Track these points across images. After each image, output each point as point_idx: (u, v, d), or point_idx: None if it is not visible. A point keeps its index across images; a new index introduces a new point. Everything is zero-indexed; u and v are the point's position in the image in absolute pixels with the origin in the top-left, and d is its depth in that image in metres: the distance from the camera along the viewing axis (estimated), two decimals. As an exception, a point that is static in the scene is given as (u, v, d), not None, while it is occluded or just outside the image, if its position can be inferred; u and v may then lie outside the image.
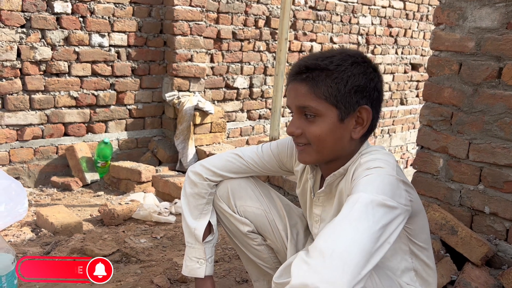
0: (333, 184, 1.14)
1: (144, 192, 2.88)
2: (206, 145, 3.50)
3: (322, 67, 1.05)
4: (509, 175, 1.68)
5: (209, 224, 1.36)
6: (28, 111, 2.95)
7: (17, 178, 2.89)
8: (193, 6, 3.37)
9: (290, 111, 1.13)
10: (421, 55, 5.66)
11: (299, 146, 1.12)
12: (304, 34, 4.33)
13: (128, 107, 3.39)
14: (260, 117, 4.24)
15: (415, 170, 1.99)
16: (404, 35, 5.39)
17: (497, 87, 1.70)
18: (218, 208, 1.38)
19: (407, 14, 5.32)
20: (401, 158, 5.78)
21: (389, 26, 5.15)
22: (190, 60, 3.45)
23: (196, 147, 3.42)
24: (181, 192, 1.39)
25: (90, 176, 3.12)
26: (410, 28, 5.42)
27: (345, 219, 0.88)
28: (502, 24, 1.67)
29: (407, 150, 5.85)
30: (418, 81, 5.72)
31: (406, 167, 5.76)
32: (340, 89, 1.04)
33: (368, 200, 0.90)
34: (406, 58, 5.52)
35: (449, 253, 1.71)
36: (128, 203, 2.55)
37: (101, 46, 3.16)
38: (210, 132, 3.53)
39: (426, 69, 1.94)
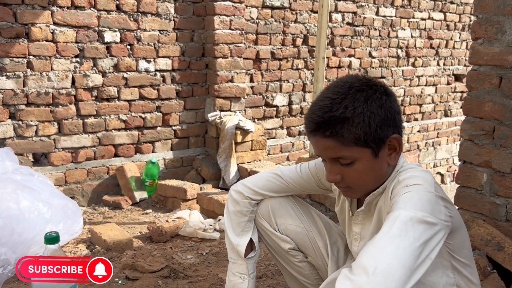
0: (372, 203, 1.17)
1: (190, 209, 2.99)
2: (248, 162, 3.58)
3: (340, 118, 1.04)
4: (557, 190, 1.64)
5: (251, 241, 1.42)
6: (82, 134, 3.16)
7: (72, 197, 3.08)
8: (232, 30, 3.51)
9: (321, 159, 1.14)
10: (465, 65, 5.53)
11: (342, 188, 1.15)
12: (342, 50, 4.37)
13: (173, 127, 3.54)
14: (300, 133, 4.28)
15: (458, 185, 1.97)
16: (446, 46, 5.30)
17: (540, 100, 1.67)
18: (259, 226, 1.43)
19: (448, 25, 5.23)
20: (447, 171, 5.62)
21: (430, 38, 5.09)
22: (231, 81, 3.57)
23: (237, 164, 3.51)
24: (224, 210, 1.46)
25: (139, 195, 3.28)
26: (451, 39, 5.32)
27: (386, 236, 0.91)
28: (542, 36, 1.66)
29: (453, 162, 5.68)
30: (462, 92, 5.58)
31: (453, 180, 5.59)
32: (366, 131, 1.04)
33: (408, 217, 0.93)
34: (449, 69, 5.41)
35: (496, 269, 1.67)
36: (174, 220, 2.66)
37: (147, 71, 3.34)
38: (251, 149, 3.61)
39: (465, 83, 1.94)
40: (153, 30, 3.31)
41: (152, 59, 3.35)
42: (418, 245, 0.90)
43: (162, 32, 3.36)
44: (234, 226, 1.42)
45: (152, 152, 3.48)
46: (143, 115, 3.38)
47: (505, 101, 1.77)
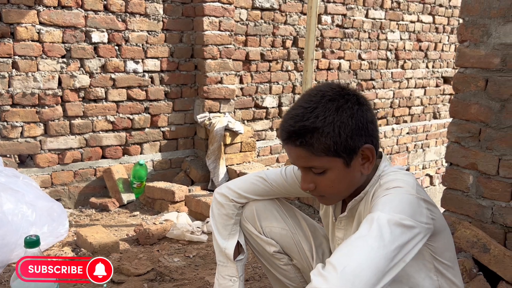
0: (354, 208, 1.17)
1: (178, 212, 2.96)
2: (237, 164, 3.57)
3: (310, 128, 1.04)
4: (542, 192, 1.64)
5: (239, 243, 1.41)
6: (68, 135, 3.12)
7: (58, 199, 3.04)
8: (222, 31, 3.49)
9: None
10: (453, 68, 5.57)
11: (316, 196, 1.16)
12: (332, 52, 4.37)
13: (162, 129, 3.51)
14: (290, 135, 4.27)
15: (445, 187, 1.97)
16: (435, 49, 5.33)
17: (525, 102, 1.68)
18: (244, 229, 1.42)
19: (436, 28, 5.27)
20: (436, 173, 5.65)
21: (419, 40, 5.12)
22: (220, 82, 3.56)
23: (227, 166, 3.49)
24: (210, 213, 1.45)
25: (127, 197, 3.24)
26: (440, 42, 5.36)
27: (361, 238, 0.91)
28: (527, 39, 1.67)
29: (442, 164, 5.72)
30: (451, 94, 5.61)
31: (442, 182, 5.62)
32: (336, 141, 1.04)
33: (385, 219, 0.93)
34: (438, 71, 5.45)
35: (482, 271, 1.68)
36: (162, 223, 2.64)
37: (135, 72, 3.31)
38: (240, 151, 3.60)
39: (452, 86, 1.94)
40: (141, 30, 3.29)
41: (140, 60, 3.32)
42: (392, 248, 0.90)
43: (150, 32, 3.33)
44: (220, 229, 1.41)
45: (140, 153, 3.44)
46: (131, 116, 3.35)
47: (490, 103, 1.77)
